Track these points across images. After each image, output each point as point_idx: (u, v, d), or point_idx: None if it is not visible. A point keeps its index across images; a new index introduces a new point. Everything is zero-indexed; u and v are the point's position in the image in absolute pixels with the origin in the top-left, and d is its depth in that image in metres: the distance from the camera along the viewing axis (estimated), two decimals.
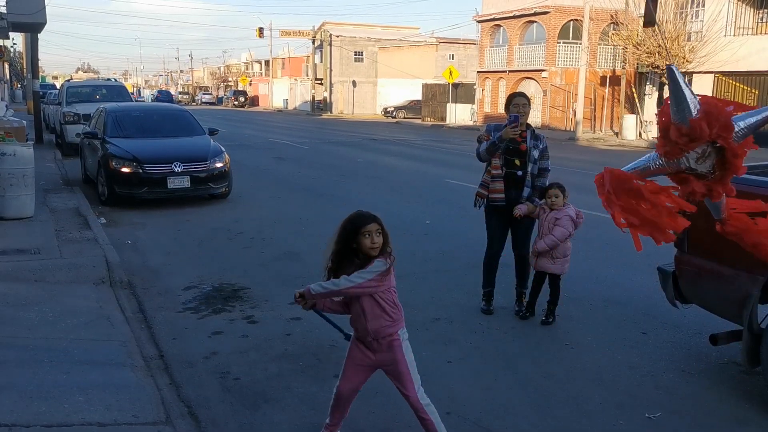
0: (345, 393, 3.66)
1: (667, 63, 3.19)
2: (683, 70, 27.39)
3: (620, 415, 4.20)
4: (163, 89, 65.65)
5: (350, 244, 3.50)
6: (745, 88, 27.11)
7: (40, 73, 26.60)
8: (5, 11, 14.67)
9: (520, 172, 5.81)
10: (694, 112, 3.02)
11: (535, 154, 5.82)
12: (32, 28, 19.90)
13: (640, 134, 29.62)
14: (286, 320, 5.87)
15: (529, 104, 5.89)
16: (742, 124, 3.12)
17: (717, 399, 4.46)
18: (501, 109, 39.50)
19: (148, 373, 4.65)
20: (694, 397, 4.49)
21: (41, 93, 24.46)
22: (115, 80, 33.49)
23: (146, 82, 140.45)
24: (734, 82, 27.49)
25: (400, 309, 3.60)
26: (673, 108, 3.03)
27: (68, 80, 26.79)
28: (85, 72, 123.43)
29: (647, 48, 27.86)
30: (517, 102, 5.77)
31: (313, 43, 64.48)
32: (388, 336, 3.51)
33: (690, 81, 28.87)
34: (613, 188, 3.25)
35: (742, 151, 3.11)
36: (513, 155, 5.79)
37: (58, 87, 29.96)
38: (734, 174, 3.15)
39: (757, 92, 26.72)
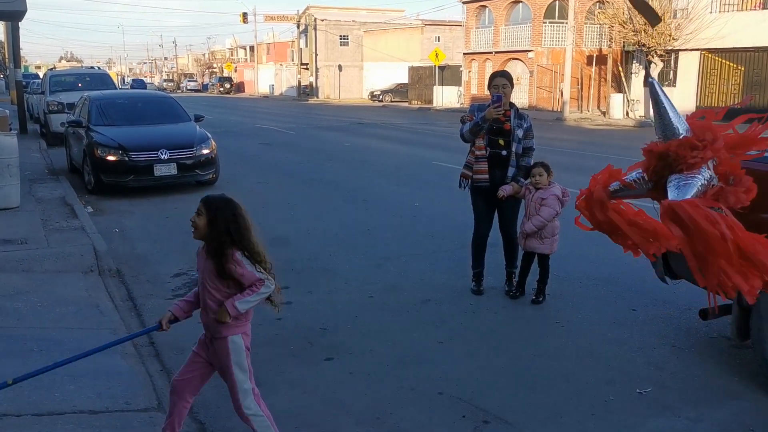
0: (178, 386, 3.45)
1: (651, 79, 3.12)
2: (669, 48, 27.45)
3: (611, 391, 4.22)
4: (138, 78, 65.17)
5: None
6: (731, 64, 27.19)
7: (23, 63, 26.29)
8: None
9: (504, 152, 5.78)
10: (680, 129, 2.96)
11: (519, 133, 5.80)
12: (12, 15, 19.57)
13: (627, 113, 29.68)
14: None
15: (511, 84, 5.84)
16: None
17: (707, 373, 4.49)
18: (487, 91, 39.43)
19: (139, 360, 4.64)
20: (684, 372, 4.52)
21: (24, 83, 24.17)
22: (99, 68, 33.13)
23: (130, 70, 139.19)
24: (720, 59, 27.56)
25: (245, 316, 3.35)
26: (658, 128, 2.97)
27: (51, 69, 26.51)
28: (69, 61, 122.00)
29: (633, 26, 27.84)
30: (497, 83, 5.72)
31: (298, 27, 64.03)
32: (221, 337, 3.31)
33: (676, 59, 28.96)
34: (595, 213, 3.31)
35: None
36: (497, 135, 5.77)
37: (41, 76, 29.62)
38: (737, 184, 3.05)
39: (743, 69, 26.82)
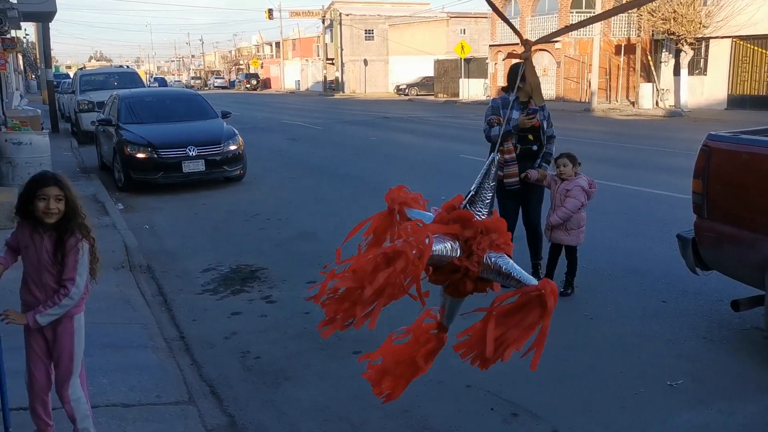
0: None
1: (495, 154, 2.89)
2: (700, 36, 26.93)
3: (641, 384, 4.18)
4: (159, 76, 66.10)
5: (27, 206, 3.16)
6: (764, 51, 26.59)
7: (54, 63, 26.71)
8: (15, 1, 14.72)
9: (535, 147, 5.82)
10: (483, 211, 2.78)
11: (545, 125, 5.81)
12: (43, 17, 19.94)
13: (657, 103, 29.21)
14: (304, 299, 5.83)
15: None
16: (495, 261, 2.70)
17: (740, 366, 4.42)
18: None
19: (170, 354, 4.70)
20: (716, 364, 4.45)
21: (55, 82, 24.58)
22: (128, 67, 33.56)
23: (158, 68, 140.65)
24: (752, 46, 26.96)
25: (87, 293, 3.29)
26: (472, 191, 2.83)
27: (81, 69, 26.94)
28: (98, 60, 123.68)
29: (662, 14, 27.35)
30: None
31: (323, 22, 64.11)
32: (67, 317, 3.24)
33: (707, 47, 28.41)
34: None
35: (474, 279, 2.75)
36: (526, 131, 5.77)
37: (71, 76, 30.10)
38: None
39: None
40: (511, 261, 2.74)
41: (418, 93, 50.07)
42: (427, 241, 2.51)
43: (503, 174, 5.80)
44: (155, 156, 11.05)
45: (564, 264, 5.79)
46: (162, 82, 60.53)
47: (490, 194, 2.82)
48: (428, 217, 2.93)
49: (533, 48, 2.84)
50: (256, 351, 4.81)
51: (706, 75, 28.83)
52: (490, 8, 3.23)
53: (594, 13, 30.72)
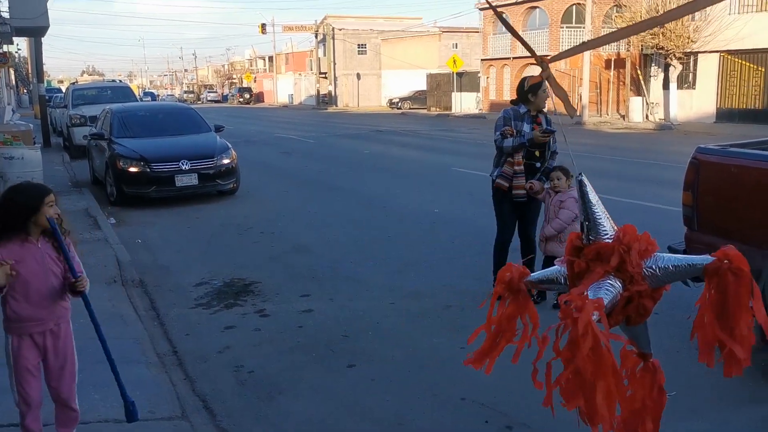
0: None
1: (580, 176, 2.82)
2: (688, 50, 27.19)
3: None
4: (149, 90, 66.25)
5: (25, 220, 3.17)
6: (751, 65, 26.87)
7: (46, 78, 26.65)
8: (8, 16, 14.74)
9: (538, 164, 5.89)
10: (607, 229, 2.70)
11: (551, 142, 5.87)
12: (35, 32, 19.96)
13: (647, 116, 29.44)
14: (297, 312, 5.88)
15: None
16: (660, 270, 2.61)
17: (733, 377, 4.42)
18: (506, 96, 39.30)
19: (163, 369, 4.68)
20: (709, 375, 4.43)
21: (47, 97, 24.55)
22: (120, 81, 33.57)
23: (151, 82, 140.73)
24: (740, 60, 27.24)
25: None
26: (585, 222, 2.74)
27: (73, 83, 26.93)
28: (90, 75, 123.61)
29: (651, 29, 27.64)
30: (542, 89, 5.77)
31: (316, 37, 64.38)
32: (66, 322, 3.37)
33: (695, 61, 28.68)
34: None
35: (650, 295, 2.63)
36: (534, 147, 5.84)
37: (63, 90, 30.07)
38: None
39: (763, 70, 26.48)
40: (669, 254, 2.67)
41: (411, 107, 50.26)
42: (590, 295, 2.43)
43: (511, 185, 5.87)
44: (148, 170, 11.04)
45: None
46: (152, 96, 60.71)
47: (600, 212, 2.73)
48: (559, 269, 2.85)
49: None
50: (249, 365, 4.80)
51: (694, 89, 29.09)
52: (504, 27, 3.21)
53: (584, 28, 31.01)
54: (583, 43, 2.95)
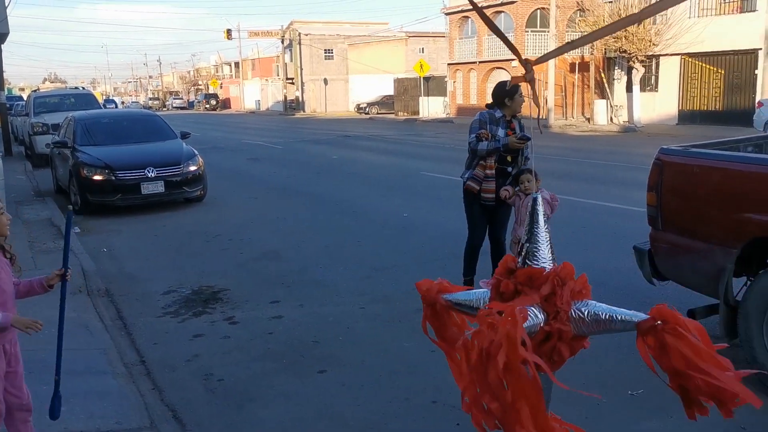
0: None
1: (536, 194, 2.74)
2: (650, 53, 27.69)
3: (603, 393, 4.23)
4: (109, 98, 65.08)
5: None
6: (711, 68, 27.46)
7: (6, 86, 26.06)
8: None
9: (510, 168, 5.91)
10: (546, 257, 2.58)
11: (525, 148, 5.92)
12: None
13: (611, 119, 29.90)
14: (267, 319, 5.84)
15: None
16: (588, 315, 2.46)
17: None
18: (473, 100, 39.65)
19: (130, 379, 4.61)
20: None
21: (8, 105, 24.06)
22: (83, 89, 33.04)
23: (115, 89, 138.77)
24: (701, 63, 27.83)
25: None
26: (526, 243, 2.62)
27: (35, 91, 26.42)
28: (52, 82, 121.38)
29: (614, 33, 28.09)
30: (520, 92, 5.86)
31: (282, 42, 64.12)
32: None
33: (657, 64, 29.22)
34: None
35: (569, 341, 2.45)
36: (508, 152, 5.87)
37: (25, 98, 29.50)
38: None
39: (723, 72, 27.09)
40: (601, 304, 2.49)
41: (379, 111, 50.34)
42: (519, 314, 2.24)
43: (481, 188, 5.90)
44: (113, 178, 10.88)
45: None
46: (114, 104, 59.74)
47: (546, 238, 2.60)
48: (482, 293, 2.72)
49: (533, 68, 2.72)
50: (219, 373, 4.75)
51: (657, 91, 29.63)
52: (488, 29, 3.11)
53: (548, 32, 31.41)
54: (569, 42, 2.95)
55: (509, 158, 5.88)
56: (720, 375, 2.28)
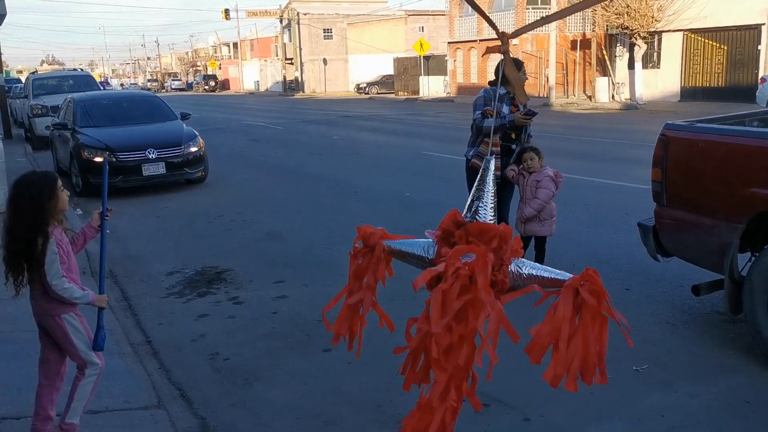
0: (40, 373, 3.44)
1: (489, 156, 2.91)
2: (652, 29, 27.48)
3: (608, 370, 4.23)
4: (110, 78, 64.13)
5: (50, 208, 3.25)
6: (714, 44, 27.27)
7: (4, 68, 25.92)
8: None
9: (514, 146, 5.90)
10: (488, 217, 2.77)
11: (529, 126, 5.91)
12: None
13: (613, 96, 29.75)
14: (271, 299, 5.86)
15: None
16: (525, 270, 2.70)
17: (702, 348, 4.53)
18: (474, 79, 39.44)
19: (137, 359, 4.63)
20: (679, 348, 4.56)
21: (6, 87, 23.96)
22: (82, 70, 32.86)
23: (113, 71, 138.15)
24: (704, 39, 27.64)
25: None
26: (475, 201, 2.81)
27: (33, 73, 26.28)
28: (50, 64, 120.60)
29: (616, 9, 27.88)
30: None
31: (281, 22, 63.72)
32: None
33: (660, 40, 29.02)
34: None
35: (502, 293, 2.67)
36: (512, 129, 5.86)
37: (23, 81, 29.37)
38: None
39: (726, 48, 26.90)
40: (532, 263, 2.76)
41: (379, 91, 50.13)
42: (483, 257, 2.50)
43: None
44: (114, 159, 10.84)
45: (531, 255, 5.86)
46: (107, 84, 59.26)
47: (493, 199, 2.80)
48: (425, 243, 2.90)
49: (510, 41, 2.86)
50: (225, 353, 4.77)
51: (659, 68, 29.45)
52: (468, 4, 3.27)
53: (549, 9, 31.14)
54: (543, 18, 2.99)
55: (513, 135, 5.86)
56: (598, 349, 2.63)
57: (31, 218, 3.20)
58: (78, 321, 3.38)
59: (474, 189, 2.84)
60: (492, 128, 5.71)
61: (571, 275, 2.59)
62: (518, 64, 5.75)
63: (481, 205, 2.78)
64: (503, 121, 5.72)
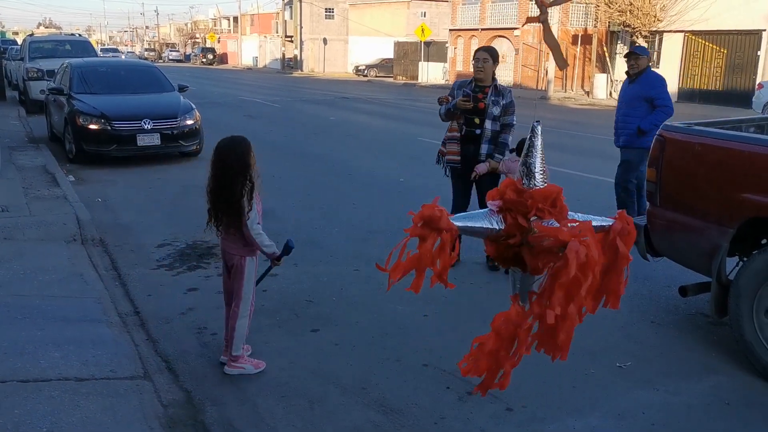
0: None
1: (536, 122, 2.85)
2: (654, 29, 27.46)
3: (592, 366, 4.30)
4: (108, 46, 62.88)
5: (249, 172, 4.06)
6: (714, 47, 27.31)
7: (0, 29, 25.58)
8: None
9: (477, 131, 5.89)
10: (539, 183, 2.84)
11: (496, 110, 5.83)
12: None
13: (611, 93, 29.76)
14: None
15: (494, 59, 5.93)
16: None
17: (686, 348, 4.59)
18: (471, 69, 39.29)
19: (125, 329, 4.64)
20: (663, 347, 4.61)
21: (2, 49, 23.69)
22: (79, 35, 32.51)
23: (111, 38, 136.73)
24: (704, 41, 27.66)
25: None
26: (523, 168, 2.87)
27: (30, 35, 25.96)
28: (47, 27, 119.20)
29: (619, 6, 27.83)
30: (479, 56, 5.93)
31: None
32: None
33: (660, 40, 29.01)
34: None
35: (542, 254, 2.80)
36: (473, 114, 5.89)
37: (19, 43, 29.04)
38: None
39: (725, 51, 26.95)
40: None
41: (377, 74, 49.92)
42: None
43: (446, 150, 6.03)
44: (109, 128, 10.78)
45: None
46: (109, 53, 58.56)
47: (542, 162, 2.88)
48: (484, 214, 2.92)
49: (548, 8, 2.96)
50: (212, 327, 4.78)
51: (658, 68, 29.40)
52: None
53: None
54: None
55: (476, 120, 5.87)
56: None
57: (238, 171, 3.95)
58: (253, 265, 4.13)
59: (523, 155, 2.89)
60: (444, 113, 5.99)
61: (612, 220, 2.90)
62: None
63: (536, 169, 2.85)
64: (449, 106, 5.91)
